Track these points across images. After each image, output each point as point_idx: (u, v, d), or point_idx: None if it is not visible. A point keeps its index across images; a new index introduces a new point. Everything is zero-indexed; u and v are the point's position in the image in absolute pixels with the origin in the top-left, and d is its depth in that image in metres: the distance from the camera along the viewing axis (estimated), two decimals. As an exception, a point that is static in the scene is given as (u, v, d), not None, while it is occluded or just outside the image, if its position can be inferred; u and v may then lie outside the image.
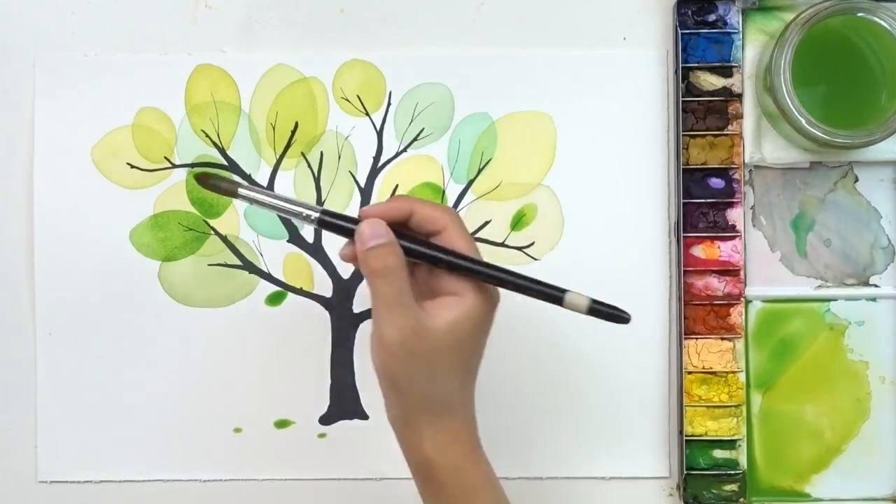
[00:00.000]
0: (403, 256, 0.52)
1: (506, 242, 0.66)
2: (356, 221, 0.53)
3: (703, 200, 0.65)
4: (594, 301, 0.52)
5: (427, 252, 0.53)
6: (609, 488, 0.66)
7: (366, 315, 0.66)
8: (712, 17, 0.65)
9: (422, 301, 0.52)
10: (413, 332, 0.51)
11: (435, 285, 0.53)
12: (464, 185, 0.66)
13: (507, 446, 0.66)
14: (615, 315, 0.52)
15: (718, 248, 0.65)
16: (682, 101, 0.65)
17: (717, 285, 0.65)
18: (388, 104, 0.66)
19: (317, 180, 0.66)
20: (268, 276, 0.66)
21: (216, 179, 0.55)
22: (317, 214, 0.53)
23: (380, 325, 0.52)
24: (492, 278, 0.53)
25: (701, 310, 0.65)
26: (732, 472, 0.65)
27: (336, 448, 0.66)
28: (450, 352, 0.52)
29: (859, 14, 0.61)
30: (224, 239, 0.66)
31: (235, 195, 0.54)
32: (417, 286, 0.53)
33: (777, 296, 0.65)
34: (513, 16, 0.66)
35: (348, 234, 0.53)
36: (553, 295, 0.53)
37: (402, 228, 0.53)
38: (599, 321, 0.66)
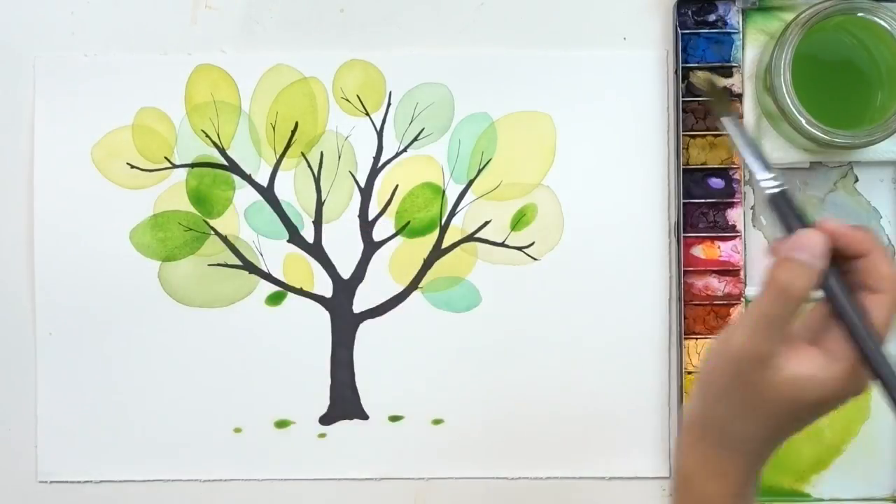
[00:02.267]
0: (813, 287, 0.45)
1: (506, 242, 0.66)
2: (807, 224, 0.46)
3: (703, 200, 0.65)
4: None
5: (841, 307, 0.45)
6: (609, 488, 0.66)
7: (366, 315, 0.66)
8: (712, 17, 0.65)
9: (794, 338, 0.46)
10: (759, 361, 0.45)
11: (821, 331, 0.46)
12: (464, 185, 0.66)
13: (507, 446, 0.66)
14: None
15: (718, 248, 0.65)
16: (682, 101, 0.65)
17: (717, 285, 0.65)
18: (388, 104, 0.66)
19: (317, 180, 0.66)
20: (268, 276, 0.66)
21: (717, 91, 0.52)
22: (775, 188, 0.47)
23: (734, 331, 0.46)
24: (874, 367, 0.45)
25: (701, 310, 0.65)
26: (732, 472, 0.65)
27: (336, 448, 0.66)
28: (773, 404, 0.45)
29: (859, 14, 0.61)
30: (224, 239, 0.66)
31: (723, 114, 0.50)
32: (807, 318, 0.47)
33: (777, 296, 0.65)
34: (513, 16, 0.66)
35: (788, 228, 0.47)
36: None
37: (846, 263, 0.46)
38: (603, 321, 0.66)
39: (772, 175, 0.48)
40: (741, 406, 0.46)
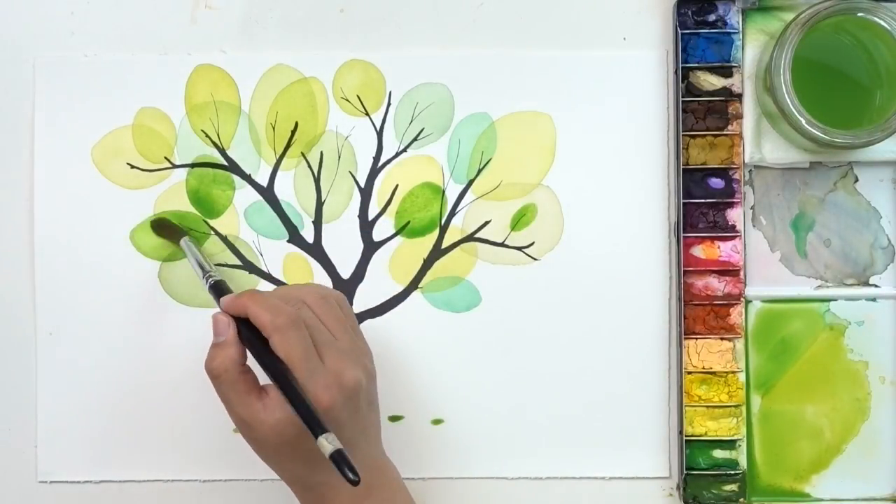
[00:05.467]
0: (237, 356, 0.55)
1: (506, 242, 0.66)
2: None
3: (703, 200, 0.65)
4: (338, 451, 0.51)
5: (255, 353, 0.56)
6: (609, 488, 0.66)
7: (366, 315, 0.66)
8: (712, 17, 0.65)
9: (269, 391, 0.55)
10: (245, 424, 0.55)
11: None
12: (464, 185, 0.66)
13: (507, 446, 0.66)
14: (346, 476, 0.50)
15: (718, 248, 0.65)
16: (682, 101, 0.65)
17: (717, 285, 0.65)
18: (388, 104, 0.66)
19: (317, 180, 0.66)
20: (268, 276, 0.66)
21: (168, 227, 0.64)
22: (211, 281, 0.59)
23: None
24: (286, 396, 0.53)
25: (701, 310, 0.65)
26: (732, 472, 0.65)
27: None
28: (283, 445, 0.55)
29: (859, 14, 0.61)
30: (224, 239, 0.66)
31: (178, 243, 0.63)
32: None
33: (777, 296, 0.65)
34: (513, 16, 0.66)
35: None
36: (312, 430, 0.52)
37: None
38: (603, 321, 0.66)
39: (210, 273, 0.60)
40: (277, 457, 0.56)
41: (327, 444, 0.51)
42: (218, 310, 0.58)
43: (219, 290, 0.59)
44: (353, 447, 0.53)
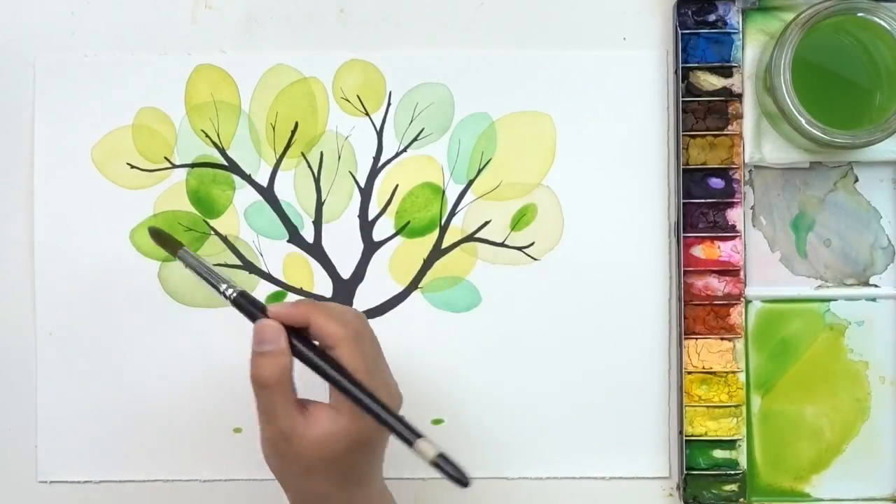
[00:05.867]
0: (289, 366, 0.53)
1: (506, 242, 0.66)
2: (265, 313, 0.54)
3: (703, 200, 0.65)
4: (441, 455, 0.49)
5: (315, 364, 0.53)
6: (609, 488, 0.66)
7: (366, 315, 0.66)
8: (712, 17, 0.65)
9: (312, 405, 0.53)
10: (283, 438, 0.53)
11: (331, 391, 0.54)
12: (464, 185, 0.66)
13: (507, 446, 0.66)
14: (455, 477, 0.49)
15: (718, 248, 0.65)
16: (682, 101, 0.65)
17: (717, 285, 0.65)
18: (388, 104, 0.66)
19: (317, 180, 0.66)
20: (268, 276, 0.66)
21: (163, 237, 0.60)
22: (233, 294, 0.55)
23: (260, 425, 0.54)
24: (359, 405, 0.52)
25: (701, 310, 0.65)
26: (732, 472, 0.65)
27: (336, 448, 0.66)
28: (321, 461, 0.53)
29: (859, 14, 0.61)
30: (224, 239, 0.66)
31: (175, 254, 0.59)
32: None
33: (777, 296, 0.65)
34: (513, 16, 0.66)
35: (253, 320, 0.55)
36: (405, 437, 0.51)
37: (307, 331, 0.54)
38: (603, 321, 0.66)
39: (228, 283, 0.56)
40: (309, 472, 0.53)
41: (428, 447, 0.49)
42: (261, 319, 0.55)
43: (247, 300, 0.55)
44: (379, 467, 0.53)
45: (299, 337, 0.53)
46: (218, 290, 0.56)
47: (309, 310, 0.54)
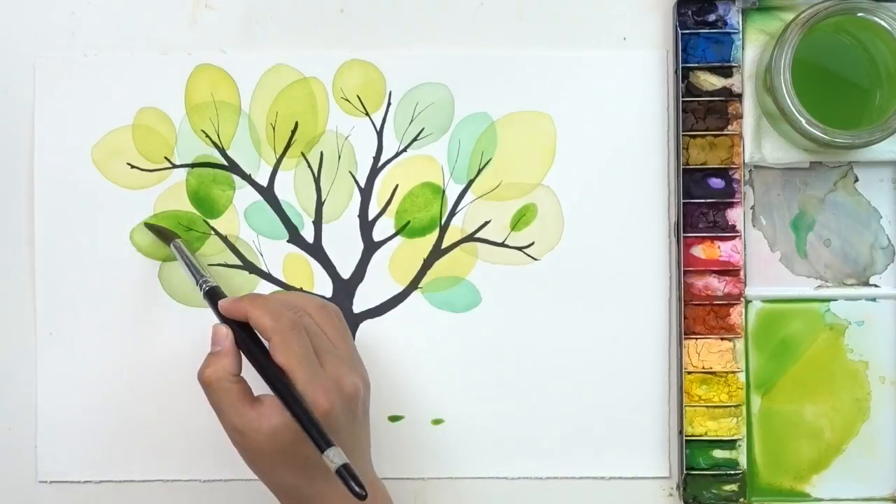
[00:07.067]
0: (230, 366, 0.55)
1: (506, 242, 0.66)
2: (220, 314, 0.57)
3: (703, 200, 0.65)
4: (344, 465, 0.50)
5: (255, 365, 0.55)
6: (609, 488, 0.66)
7: (366, 315, 0.66)
8: (712, 17, 0.65)
9: (265, 400, 0.54)
10: (238, 433, 0.54)
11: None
12: (464, 185, 0.66)
13: (507, 446, 0.66)
14: (353, 490, 0.50)
15: (718, 248, 0.65)
16: (682, 101, 0.65)
17: (717, 285, 0.65)
18: (388, 104, 0.66)
19: (317, 180, 0.66)
20: (268, 276, 0.66)
21: (159, 227, 0.64)
22: (207, 287, 0.59)
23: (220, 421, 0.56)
24: (285, 403, 0.53)
25: (701, 310, 0.65)
26: (732, 472, 0.65)
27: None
28: (277, 453, 0.54)
29: (859, 14, 0.61)
30: (224, 239, 0.66)
31: (168, 244, 0.63)
32: None
33: (777, 296, 0.65)
34: (513, 16, 0.66)
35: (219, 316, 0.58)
36: (318, 444, 0.51)
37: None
38: (603, 321, 0.66)
39: (205, 277, 0.59)
40: (271, 466, 0.55)
41: (334, 457, 0.50)
42: (217, 320, 0.57)
43: (214, 295, 0.58)
44: (348, 457, 0.53)
45: (249, 333, 0.55)
46: (196, 282, 0.60)
47: (249, 303, 0.55)
